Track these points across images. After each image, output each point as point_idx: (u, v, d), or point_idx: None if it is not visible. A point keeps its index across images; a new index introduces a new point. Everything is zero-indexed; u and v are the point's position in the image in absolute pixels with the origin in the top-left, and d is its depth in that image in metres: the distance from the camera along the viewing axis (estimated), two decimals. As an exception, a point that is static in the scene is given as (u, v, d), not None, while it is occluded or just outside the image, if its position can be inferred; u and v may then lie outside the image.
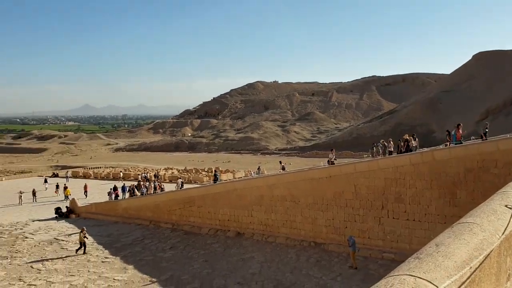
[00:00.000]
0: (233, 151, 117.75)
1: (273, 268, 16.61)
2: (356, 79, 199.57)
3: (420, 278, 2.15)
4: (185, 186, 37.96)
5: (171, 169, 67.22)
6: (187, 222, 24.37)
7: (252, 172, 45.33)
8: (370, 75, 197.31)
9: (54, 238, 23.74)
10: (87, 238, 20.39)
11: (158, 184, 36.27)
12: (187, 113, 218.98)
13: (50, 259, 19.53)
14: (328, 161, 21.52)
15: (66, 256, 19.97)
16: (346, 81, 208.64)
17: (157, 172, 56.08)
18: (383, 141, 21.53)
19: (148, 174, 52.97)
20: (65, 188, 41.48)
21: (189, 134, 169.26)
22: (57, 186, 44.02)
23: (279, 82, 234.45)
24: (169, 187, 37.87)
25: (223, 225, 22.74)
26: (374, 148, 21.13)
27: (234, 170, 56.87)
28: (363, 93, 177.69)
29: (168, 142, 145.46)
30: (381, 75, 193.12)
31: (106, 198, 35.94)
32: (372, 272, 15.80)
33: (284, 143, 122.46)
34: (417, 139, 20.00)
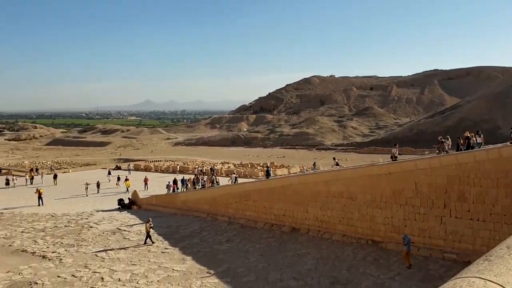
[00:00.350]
0: (288, 146, 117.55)
1: (329, 265, 16.46)
2: (417, 73, 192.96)
3: (491, 281, 2.04)
4: (240, 180, 38.40)
5: (228, 163, 68.14)
6: (243, 215, 24.63)
7: (306, 168, 45.08)
8: (432, 69, 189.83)
9: (117, 228, 24.78)
10: (152, 229, 21.07)
11: (214, 178, 36.98)
12: (243, 109, 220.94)
13: (113, 248, 20.40)
14: (392, 156, 20.93)
15: (133, 247, 20.76)
16: (406, 74, 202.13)
17: (213, 166, 57.09)
18: (441, 138, 20.59)
19: (204, 168, 54.27)
20: (126, 180, 43.24)
21: (245, 129, 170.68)
22: (118, 179, 46.06)
23: (336, 76, 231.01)
24: (225, 181, 38.44)
25: (278, 220, 22.80)
26: (441, 144, 20.19)
27: (289, 166, 56.82)
28: (424, 87, 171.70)
29: (225, 137, 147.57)
30: (444, 69, 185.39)
31: (165, 190, 37.10)
32: (432, 272, 15.28)
33: (340, 138, 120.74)
34: (482, 136, 19.06)
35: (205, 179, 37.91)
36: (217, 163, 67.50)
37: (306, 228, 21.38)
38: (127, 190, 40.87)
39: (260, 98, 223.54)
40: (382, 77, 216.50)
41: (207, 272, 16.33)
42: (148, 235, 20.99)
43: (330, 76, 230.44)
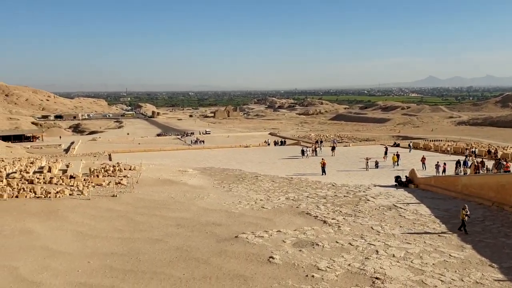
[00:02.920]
0: None
1: None
2: None
3: None
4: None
5: (521, 147, 59.62)
6: (539, 209, 21.26)
7: None
8: None
9: (393, 205, 24.92)
10: (468, 217, 19.20)
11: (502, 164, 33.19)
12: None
13: (388, 223, 20.65)
14: None
15: (417, 233, 20.66)
16: None
17: (496, 150, 51.38)
18: None
19: (477, 150, 50.50)
20: (397, 155, 44.53)
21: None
22: (385, 153, 48.35)
23: None
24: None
25: None
26: None
27: None
28: None
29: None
30: None
31: (448, 171, 35.87)
32: None
33: None
34: None
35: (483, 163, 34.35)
36: (507, 147, 60.02)
37: None
38: (393, 165, 42.75)
39: None
40: None
41: (489, 265, 14.87)
42: (463, 223, 19.17)
43: None
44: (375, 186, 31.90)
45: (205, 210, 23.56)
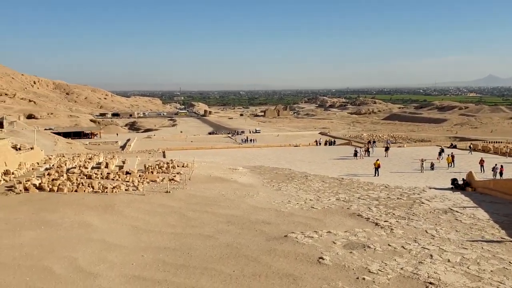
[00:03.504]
0: None
1: None
2: None
3: None
4: None
5: None
6: None
7: None
8: None
9: (449, 208, 24.05)
10: None
11: None
12: None
13: (443, 227, 19.95)
14: None
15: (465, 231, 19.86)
16: None
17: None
18: None
19: None
20: (452, 156, 43.52)
21: None
22: (440, 153, 47.13)
23: None
24: None
25: None
26: None
27: None
28: None
29: None
30: None
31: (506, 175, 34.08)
32: None
33: None
34: None
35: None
36: None
37: None
38: (448, 166, 41.98)
39: None
40: None
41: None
42: None
43: None
44: (430, 188, 30.91)
45: (254, 208, 23.69)
